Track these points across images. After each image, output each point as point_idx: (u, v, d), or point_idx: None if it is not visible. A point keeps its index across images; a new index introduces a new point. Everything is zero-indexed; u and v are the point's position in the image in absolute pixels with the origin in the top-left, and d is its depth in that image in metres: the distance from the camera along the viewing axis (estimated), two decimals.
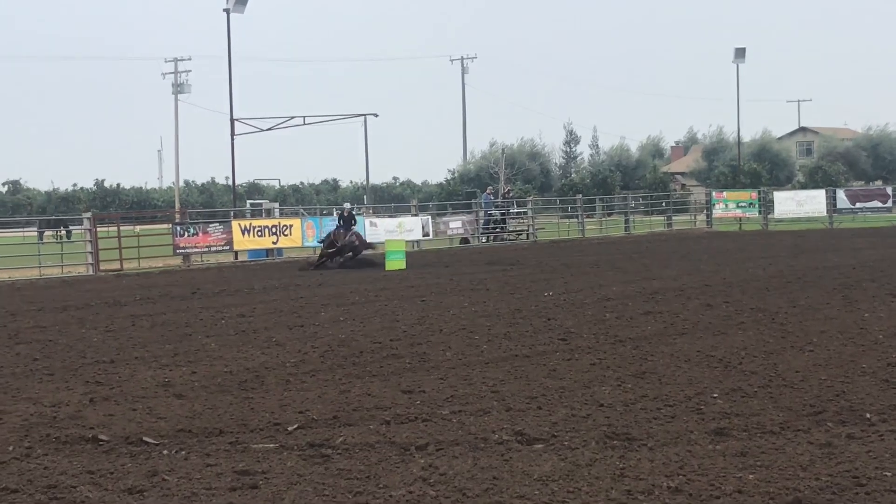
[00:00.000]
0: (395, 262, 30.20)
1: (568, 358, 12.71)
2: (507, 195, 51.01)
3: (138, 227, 43.79)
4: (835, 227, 50.35)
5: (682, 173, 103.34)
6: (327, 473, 7.82)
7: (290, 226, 38.15)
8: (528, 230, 47.40)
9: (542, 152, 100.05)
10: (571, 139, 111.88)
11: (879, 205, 53.00)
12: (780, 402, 9.76)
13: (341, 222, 32.50)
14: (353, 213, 33.51)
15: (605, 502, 6.97)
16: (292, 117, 48.83)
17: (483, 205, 46.70)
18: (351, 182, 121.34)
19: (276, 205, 62.21)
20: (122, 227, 36.27)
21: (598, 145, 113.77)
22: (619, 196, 64.86)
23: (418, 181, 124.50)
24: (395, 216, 45.91)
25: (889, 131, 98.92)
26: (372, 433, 9.03)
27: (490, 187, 52.60)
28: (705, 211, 55.11)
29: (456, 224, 45.20)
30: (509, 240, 45.72)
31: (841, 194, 53.94)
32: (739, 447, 8.17)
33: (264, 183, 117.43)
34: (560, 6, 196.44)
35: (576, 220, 50.92)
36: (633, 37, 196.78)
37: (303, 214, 43.01)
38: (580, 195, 56.80)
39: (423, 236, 42.32)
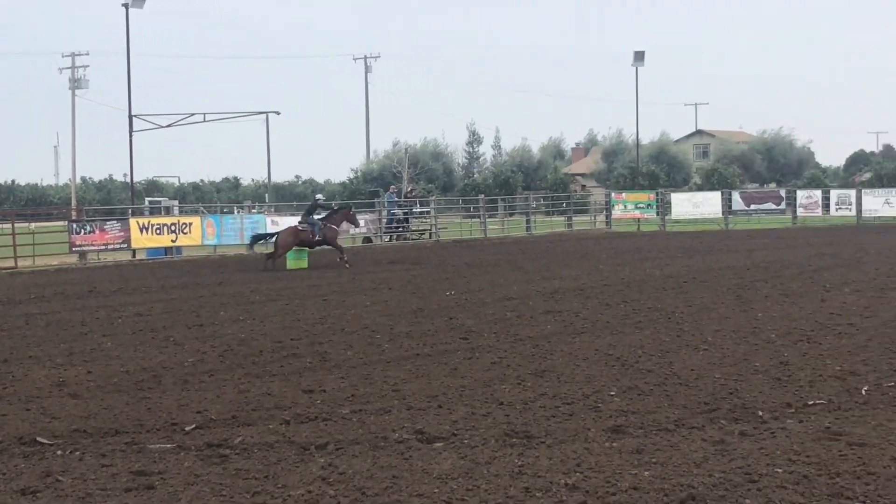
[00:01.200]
0: (297, 261, 30.07)
1: (469, 357, 12.77)
2: (409, 194, 51.04)
3: (33, 225, 42.95)
4: (730, 228, 51.24)
5: (582, 174, 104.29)
6: (225, 473, 7.76)
7: (190, 224, 37.74)
8: (430, 230, 47.48)
9: (446, 152, 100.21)
10: (474, 139, 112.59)
11: (773, 207, 54.09)
12: (676, 400, 9.93)
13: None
14: (318, 201, 33.16)
15: (503, 500, 7.01)
16: (192, 114, 48.47)
17: (386, 204, 46.70)
18: (253, 180, 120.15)
19: (176, 202, 61.59)
20: (16, 225, 35.51)
21: (500, 146, 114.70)
22: (521, 196, 65.19)
23: (321, 180, 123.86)
24: (297, 215, 45.63)
25: (783, 135, 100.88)
26: (271, 433, 8.99)
27: (393, 186, 52.58)
28: (605, 212, 55.71)
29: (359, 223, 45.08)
30: (412, 239, 45.75)
31: (736, 196, 54.95)
32: (635, 444, 8.28)
33: (164, 180, 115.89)
34: (464, 6, 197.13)
35: (478, 219, 51.13)
36: (536, 39, 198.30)
37: (203, 212, 42.51)
38: (482, 195, 57.02)
39: None
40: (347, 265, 29.52)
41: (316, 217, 30.82)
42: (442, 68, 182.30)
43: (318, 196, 35.47)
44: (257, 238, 32.35)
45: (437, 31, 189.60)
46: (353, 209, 35.15)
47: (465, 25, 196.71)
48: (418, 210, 48.93)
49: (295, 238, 30.25)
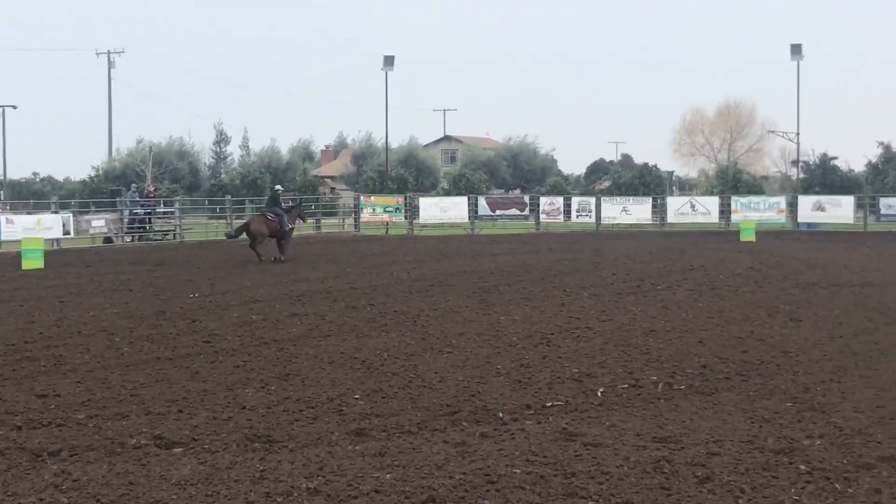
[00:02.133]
0: (33, 261, 28.97)
1: (212, 360, 12.57)
2: (152, 194, 49.86)
3: None
4: (476, 233, 52.30)
5: (331, 177, 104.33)
6: None
7: None
8: (174, 230, 46.56)
9: (192, 151, 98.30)
10: (222, 139, 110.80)
11: (517, 212, 55.58)
12: (419, 403, 10.04)
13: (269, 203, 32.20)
14: (278, 192, 33.42)
15: None
16: None
17: (128, 203, 45.51)
18: None
19: None
20: None
21: (248, 146, 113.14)
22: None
23: (60, 177, 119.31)
24: (33, 213, 43.94)
25: (528, 142, 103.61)
26: (1, 439, 8.63)
27: (135, 185, 51.25)
28: (353, 215, 55.94)
29: (99, 222, 43.79)
30: (155, 240, 44.74)
31: (482, 202, 56.18)
32: (378, 447, 8.33)
33: None
34: (212, 4, 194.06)
35: (225, 220, 50.42)
36: (285, 40, 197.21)
37: None
38: (229, 196, 56.27)
39: (64, 234, 40.80)
40: (282, 260, 30.10)
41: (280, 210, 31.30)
42: (188, 66, 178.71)
43: (278, 187, 35.63)
44: (239, 232, 31.92)
45: (183, 28, 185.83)
46: (302, 205, 35.13)
47: (213, 23, 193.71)
48: (162, 210, 47.90)
49: (266, 227, 30.60)
